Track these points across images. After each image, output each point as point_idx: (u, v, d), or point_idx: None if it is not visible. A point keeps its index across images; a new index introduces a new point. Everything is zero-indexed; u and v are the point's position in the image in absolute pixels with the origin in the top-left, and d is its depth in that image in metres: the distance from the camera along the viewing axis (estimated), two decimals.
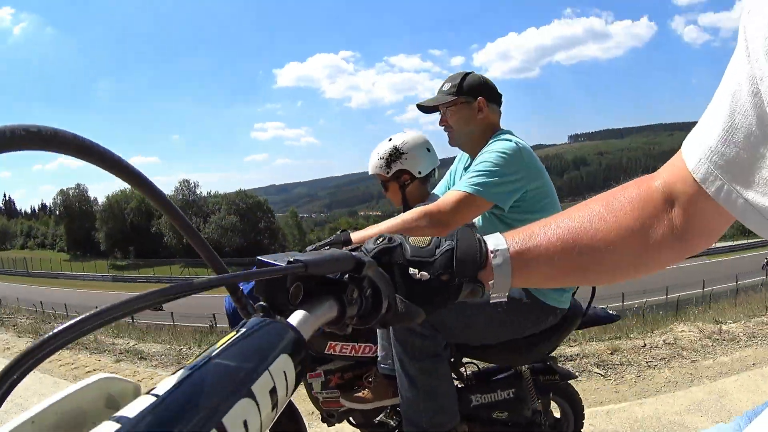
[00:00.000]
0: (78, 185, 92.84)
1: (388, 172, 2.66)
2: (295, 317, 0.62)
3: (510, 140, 2.16)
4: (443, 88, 2.41)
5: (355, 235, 1.80)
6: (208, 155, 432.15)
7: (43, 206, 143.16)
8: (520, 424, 2.36)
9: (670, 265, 0.78)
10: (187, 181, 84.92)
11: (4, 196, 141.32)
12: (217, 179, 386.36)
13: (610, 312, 2.59)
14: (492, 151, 2.11)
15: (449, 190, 2.08)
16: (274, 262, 0.67)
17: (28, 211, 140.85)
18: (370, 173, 2.76)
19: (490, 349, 2.28)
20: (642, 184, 0.80)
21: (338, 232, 1.84)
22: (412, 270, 0.76)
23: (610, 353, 4.52)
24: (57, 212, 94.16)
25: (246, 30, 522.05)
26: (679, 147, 0.65)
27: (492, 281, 0.79)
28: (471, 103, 2.34)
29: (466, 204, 2.00)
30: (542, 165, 2.22)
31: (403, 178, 2.67)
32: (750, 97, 0.61)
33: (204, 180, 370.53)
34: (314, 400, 2.47)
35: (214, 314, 35.24)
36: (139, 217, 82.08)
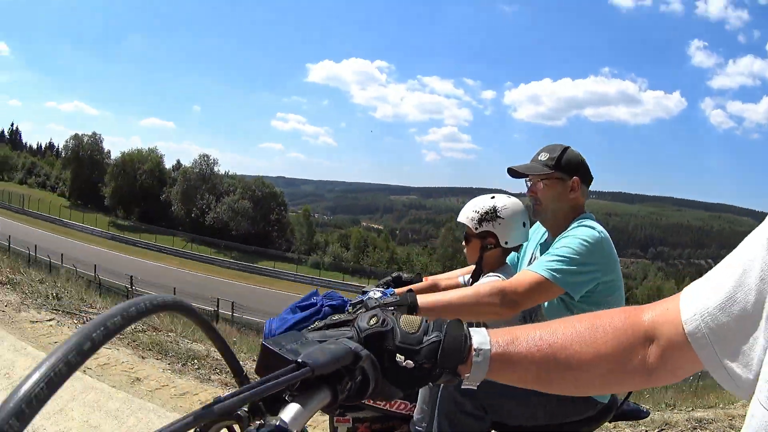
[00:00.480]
0: (94, 134, 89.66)
1: (476, 228, 2.53)
2: (289, 412, 0.67)
3: (594, 228, 2.17)
4: (540, 158, 2.40)
5: (423, 300, 1.80)
6: (225, 133, 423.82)
7: (51, 146, 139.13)
8: None
9: (633, 390, 0.81)
10: (207, 156, 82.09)
11: (12, 125, 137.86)
12: (229, 159, 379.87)
13: (642, 407, 2.61)
14: (575, 237, 2.14)
15: (525, 269, 2.12)
16: (279, 352, 0.74)
17: (34, 146, 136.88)
18: (458, 220, 2.62)
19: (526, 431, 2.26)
20: (630, 315, 0.90)
21: (407, 292, 1.83)
22: (399, 357, 0.83)
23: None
24: (65, 155, 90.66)
25: (287, 17, 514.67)
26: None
27: (468, 374, 0.87)
28: (565, 181, 2.35)
29: (541, 289, 2.03)
30: (617, 257, 2.24)
31: (488, 241, 2.54)
32: (756, 280, 0.71)
33: (214, 156, 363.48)
34: None
35: (218, 298, 33.74)
36: (150, 180, 79.26)
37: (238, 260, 63.99)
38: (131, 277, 34.43)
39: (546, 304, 2.29)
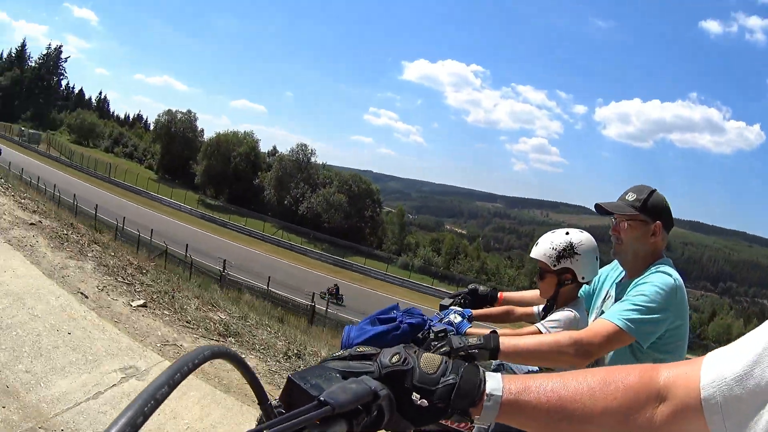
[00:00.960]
0: (189, 111, 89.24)
1: (555, 265, 2.53)
2: None
3: (671, 276, 2.22)
4: (627, 197, 2.46)
5: (505, 344, 1.89)
6: (316, 122, 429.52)
7: (139, 117, 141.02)
8: None
9: None
10: (305, 146, 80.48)
11: (100, 93, 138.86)
12: (318, 147, 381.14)
13: None
14: (652, 284, 2.19)
15: (601, 319, 2.18)
16: (304, 387, 0.82)
17: (121, 116, 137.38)
18: (532, 256, 2.62)
19: None
20: (645, 374, 0.92)
21: (489, 332, 1.94)
22: (415, 395, 0.89)
23: None
24: (156, 129, 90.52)
25: (386, 11, 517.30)
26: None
27: (478, 417, 0.91)
28: (648, 224, 2.40)
29: (615, 339, 2.09)
30: (687, 303, 2.27)
31: (565, 277, 2.55)
32: None
33: (312, 146, 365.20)
34: None
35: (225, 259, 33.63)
36: (244, 164, 78.07)
37: (328, 253, 62.10)
38: (224, 261, 33.83)
39: (614, 352, 2.33)
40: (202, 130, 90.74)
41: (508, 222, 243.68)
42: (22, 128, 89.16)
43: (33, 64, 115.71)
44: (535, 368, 2.50)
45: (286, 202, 74.57)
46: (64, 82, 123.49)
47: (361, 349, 1.01)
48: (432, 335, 1.97)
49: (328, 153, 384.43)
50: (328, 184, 75.80)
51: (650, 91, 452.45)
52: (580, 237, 2.54)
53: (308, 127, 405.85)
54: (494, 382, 0.92)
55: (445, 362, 0.93)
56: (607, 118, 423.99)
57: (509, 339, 1.95)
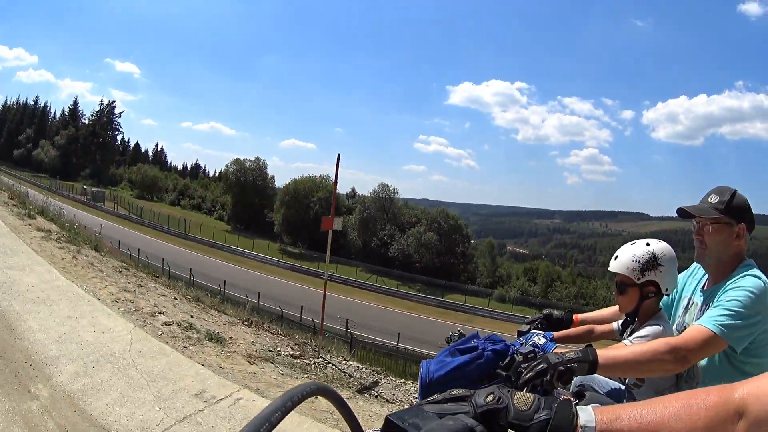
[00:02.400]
0: (258, 159, 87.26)
1: (639, 279, 2.50)
2: None
3: (760, 278, 2.25)
4: (710, 200, 2.43)
5: (602, 356, 1.94)
6: (367, 155, 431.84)
7: (197, 166, 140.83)
8: None
9: None
10: (387, 186, 77.25)
11: (156, 145, 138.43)
12: (372, 180, 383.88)
13: None
14: (743, 289, 2.22)
15: (695, 324, 2.22)
16: (402, 426, 0.86)
17: (178, 166, 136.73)
18: (613, 270, 2.57)
19: None
20: (723, 393, 0.97)
21: (585, 347, 1.97)
22: None
23: None
24: (227, 179, 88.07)
25: (427, 40, 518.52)
26: None
27: None
28: (732, 227, 2.38)
29: (710, 344, 2.13)
30: None
31: (649, 290, 2.52)
32: None
33: (356, 179, 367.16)
34: None
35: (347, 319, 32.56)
36: (324, 209, 74.61)
37: (423, 294, 58.72)
38: (347, 320, 33.15)
39: (707, 359, 2.35)
40: (273, 177, 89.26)
41: (568, 237, 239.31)
42: (85, 186, 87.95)
43: (87, 122, 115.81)
44: (619, 386, 2.57)
45: (372, 244, 72.13)
46: (119, 137, 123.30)
47: (456, 392, 1.03)
48: (521, 357, 1.90)
49: (380, 184, 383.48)
50: (416, 222, 73.51)
51: (696, 86, 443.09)
52: (662, 247, 2.51)
53: (360, 160, 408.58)
54: (586, 415, 0.98)
55: (538, 399, 0.98)
56: (655, 120, 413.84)
57: (605, 351, 2.05)
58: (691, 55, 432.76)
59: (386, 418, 0.88)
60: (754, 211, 2.46)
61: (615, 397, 2.53)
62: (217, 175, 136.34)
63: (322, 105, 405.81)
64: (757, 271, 2.30)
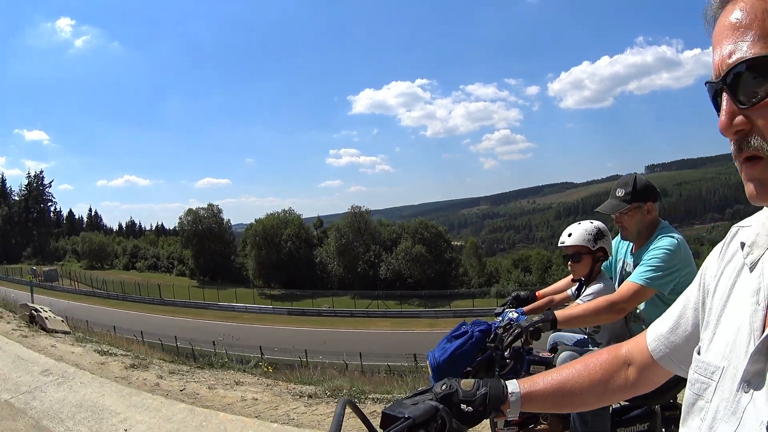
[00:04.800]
0: (210, 205, 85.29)
1: (594, 246, 3.19)
2: None
3: (674, 237, 2.87)
4: (617, 194, 3.03)
5: (560, 315, 2.70)
6: (282, 179, 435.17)
7: (132, 224, 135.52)
8: None
9: (622, 399, 1.36)
10: (359, 207, 77.22)
11: (90, 210, 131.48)
12: (290, 203, 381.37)
13: None
14: (660, 248, 2.84)
15: (627, 281, 2.86)
16: (393, 414, 1.23)
17: (114, 227, 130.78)
18: (571, 243, 3.22)
19: None
20: (612, 351, 1.35)
21: (546, 311, 2.84)
22: (463, 405, 1.28)
23: None
24: (183, 233, 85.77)
25: (320, 54, 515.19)
26: None
27: (508, 410, 1.30)
28: (642, 207, 2.99)
29: (640, 294, 2.78)
30: (690, 252, 2.93)
31: (599, 254, 3.22)
32: (692, 311, 1.13)
33: (278, 204, 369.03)
34: None
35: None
36: (298, 244, 74.23)
37: (423, 308, 59.41)
38: (360, 354, 32.88)
39: (644, 303, 2.96)
40: (229, 221, 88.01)
41: (500, 220, 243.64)
42: (33, 267, 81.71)
43: (17, 198, 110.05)
44: (583, 336, 3.33)
45: (359, 269, 71.85)
46: (52, 209, 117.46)
47: (421, 388, 1.37)
48: (501, 330, 2.63)
49: (301, 205, 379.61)
50: (397, 238, 73.81)
51: (597, 49, 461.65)
52: (600, 224, 3.25)
53: (275, 186, 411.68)
54: (512, 385, 1.32)
55: (477, 382, 1.32)
56: (561, 90, 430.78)
57: (561, 311, 2.80)
58: (587, 21, 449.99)
59: (382, 413, 1.24)
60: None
61: (580, 344, 3.29)
62: (154, 228, 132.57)
63: (230, 138, 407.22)
64: (671, 231, 2.94)
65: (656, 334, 1.25)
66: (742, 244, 1.00)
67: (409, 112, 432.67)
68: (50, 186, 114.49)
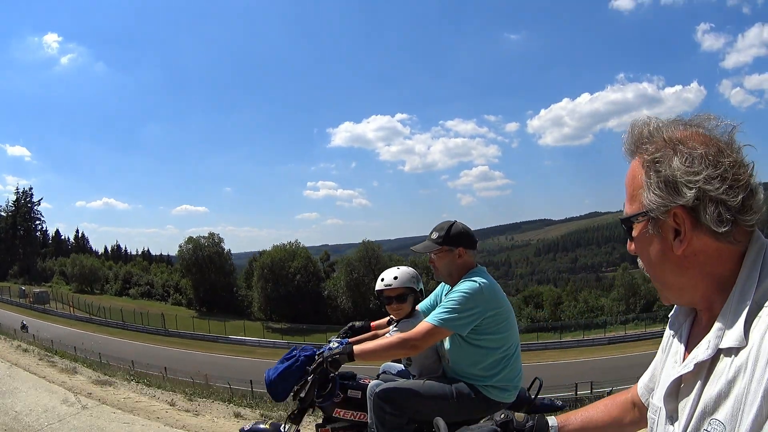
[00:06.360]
0: (211, 234, 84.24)
1: (417, 287, 3.47)
2: None
3: (476, 282, 3.03)
4: (432, 236, 3.25)
5: (357, 349, 2.91)
6: (260, 210, 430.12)
7: (118, 247, 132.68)
8: None
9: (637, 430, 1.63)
10: (371, 242, 77.27)
11: (77, 231, 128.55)
12: (266, 234, 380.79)
13: (556, 402, 3.48)
14: (457, 291, 3.03)
15: (423, 321, 3.03)
16: None
17: (99, 251, 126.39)
18: (397, 286, 3.43)
19: None
20: (626, 394, 1.66)
21: (346, 344, 3.00)
22: None
23: None
24: (182, 261, 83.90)
25: (301, 87, 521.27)
26: None
27: None
28: (453, 251, 3.19)
29: (433, 333, 2.96)
30: (502, 295, 3.16)
31: (418, 295, 3.49)
32: (660, 362, 1.43)
33: (255, 234, 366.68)
34: None
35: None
36: (306, 277, 73.63)
37: None
38: None
39: (448, 339, 3.19)
40: (229, 251, 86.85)
41: (478, 257, 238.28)
42: (23, 288, 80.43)
43: (4, 214, 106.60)
44: (402, 368, 3.67)
45: (371, 305, 70.60)
46: (39, 227, 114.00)
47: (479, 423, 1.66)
48: (319, 357, 2.91)
49: (279, 237, 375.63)
50: None
51: (577, 87, 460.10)
52: (412, 268, 3.56)
53: (252, 216, 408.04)
54: (552, 420, 1.63)
55: (526, 416, 1.62)
56: (540, 127, 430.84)
57: (360, 345, 2.97)
58: (568, 58, 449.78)
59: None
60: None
61: (401, 374, 3.62)
62: (140, 253, 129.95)
63: (209, 166, 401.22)
64: (477, 277, 3.08)
65: (642, 381, 1.55)
66: (668, 319, 1.43)
67: (388, 146, 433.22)
68: (39, 204, 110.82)
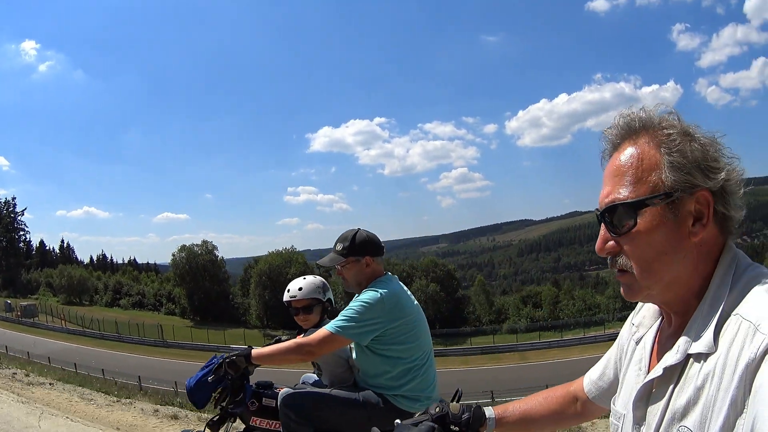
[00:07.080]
0: (205, 242, 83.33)
1: (324, 298, 3.51)
2: None
3: (377, 292, 2.98)
4: (337, 248, 3.17)
5: (255, 352, 2.96)
6: (240, 216, 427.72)
7: (104, 257, 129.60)
8: None
9: (573, 425, 2.05)
10: None
11: (62, 242, 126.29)
12: (248, 240, 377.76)
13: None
14: (358, 301, 2.98)
15: (322, 328, 2.98)
16: None
17: (85, 260, 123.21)
18: (302, 297, 3.46)
19: None
20: (566, 388, 1.70)
21: (247, 347, 3.06)
22: (452, 426, 1.54)
23: None
24: (176, 270, 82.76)
25: (279, 91, 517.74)
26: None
27: (485, 430, 1.59)
28: (359, 261, 3.13)
29: (329, 340, 2.90)
30: (410, 304, 3.11)
31: (327, 305, 3.53)
32: (613, 364, 1.49)
33: (232, 242, 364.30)
34: None
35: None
36: None
37: (444, 347, 58.96)
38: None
39: (354, 347, 3.17)
40: (222, 259, 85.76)
41: (461, 258, 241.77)
42: (8, 301, 77.61)
43: None
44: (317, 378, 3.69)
45: None
46: (23, 238, 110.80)
47: (418, 415, 1.63)
48: (220, 362, 2.95)
49: (259, 243, 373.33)
50: (411, 277, 73.20)
51: (554, 88, 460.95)
52: (321, 278, 3.61)
53: (233, 222, 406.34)
54: (489, 411, 1.62)
55: (462, 406, 1.60)
56: (518, 128, 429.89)
57: (258, 349, 3.02)
58: (545, 59, 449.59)
59: None
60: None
61: (318, 385, 3.52)
62: (126, 263, 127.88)
63: (189, 173, 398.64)
64: (381, 286, 3.03)
65: (589, 378, 1.60)
66: (632, 324, 1.41)
67: (367, 150, 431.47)
68: (22, 214, 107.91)
